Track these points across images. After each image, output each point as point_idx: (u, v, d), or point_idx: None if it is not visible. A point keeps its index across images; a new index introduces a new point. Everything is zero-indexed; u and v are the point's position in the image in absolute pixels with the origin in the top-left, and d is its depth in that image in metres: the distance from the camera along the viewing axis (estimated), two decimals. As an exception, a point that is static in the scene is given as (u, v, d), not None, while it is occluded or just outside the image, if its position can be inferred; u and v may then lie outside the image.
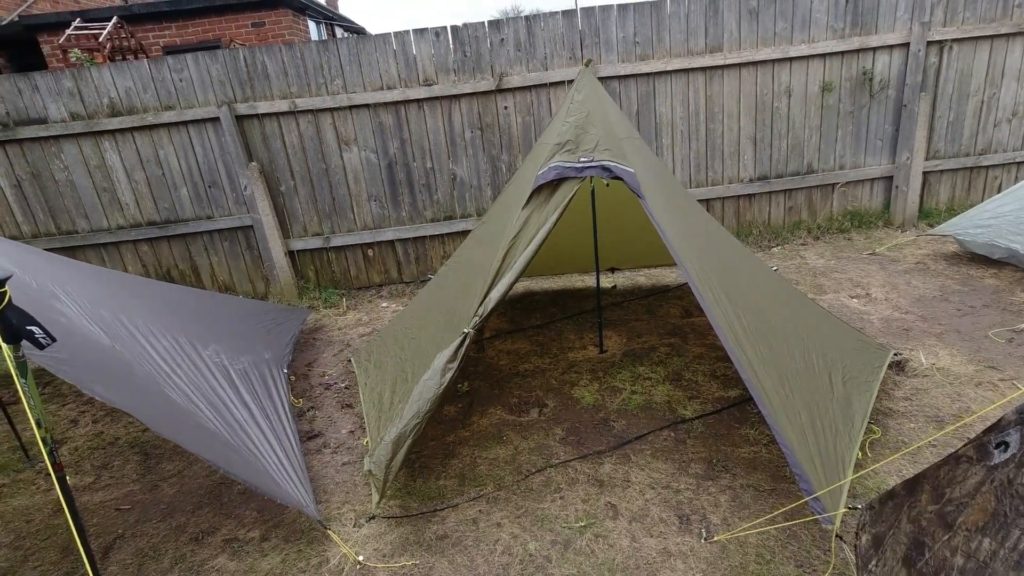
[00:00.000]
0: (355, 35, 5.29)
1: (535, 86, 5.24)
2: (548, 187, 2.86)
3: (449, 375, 2.60)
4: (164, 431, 2.23)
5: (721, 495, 2.60)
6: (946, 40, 5.35)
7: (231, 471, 2.35)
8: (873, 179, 5.76)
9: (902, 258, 5.06)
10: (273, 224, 5.37)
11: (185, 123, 5.14)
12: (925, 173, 5.69)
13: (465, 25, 5.08)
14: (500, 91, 5.24)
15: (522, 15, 5.08)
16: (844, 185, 5.75)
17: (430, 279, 4.00)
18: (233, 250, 5.56)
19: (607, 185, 2.76)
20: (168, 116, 5.08)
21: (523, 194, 2.96)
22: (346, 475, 3.02)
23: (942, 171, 5.75)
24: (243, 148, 5.19)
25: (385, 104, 5.22)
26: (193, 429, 2.51)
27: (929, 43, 5.32)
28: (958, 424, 2.85)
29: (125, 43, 7.54)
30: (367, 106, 5.21)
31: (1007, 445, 1.34)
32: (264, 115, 5.17)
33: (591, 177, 2.89)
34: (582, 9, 5.08)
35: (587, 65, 3.12)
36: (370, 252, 5.69)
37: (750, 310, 2.83)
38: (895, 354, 3.39)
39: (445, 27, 5.06)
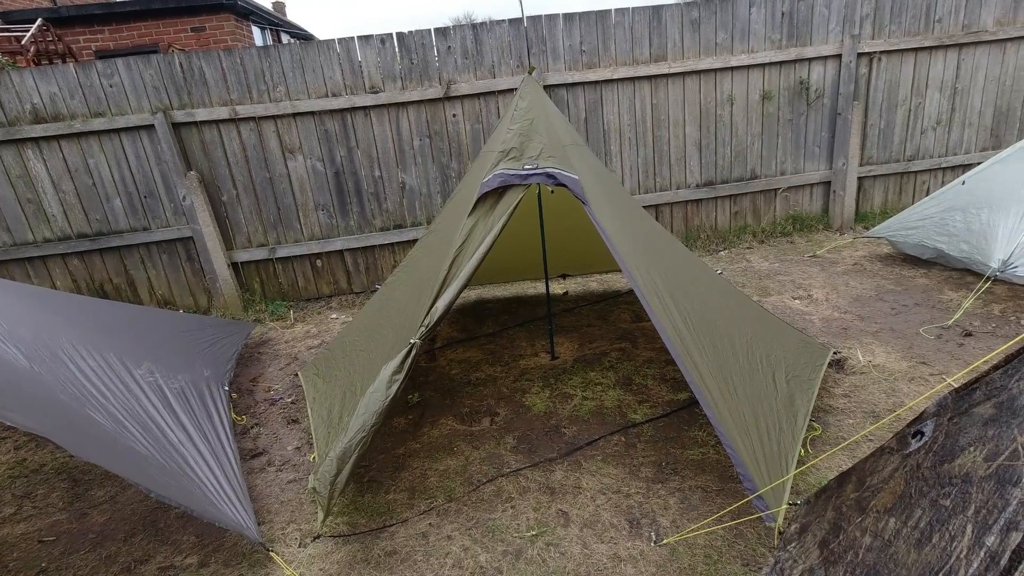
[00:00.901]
0: (299, 41, 5.16)
1: (483, 94, 5.23)
2: (493, 195, 2.84)
3: (396, 387, 2.54)
4: (89, 455, 2.09)
5: (670, 497, 2.62)
6: (875, 52, 5.62)
7: (164, 495, 2.22)
8: (812, 184, 5.99)
9: (841, 260, 5.26)
10: (215, 235, 5.17)
11: (117, 131, 4.91)
12: (860, 178, 5.95)
13: (411, 32, 5.03)
14: (448, 99, 5.21)
15: (469, 23, 5.07)
16: (786, 190, 5.95)
17: (378, 288, 3.92)
18: (172, 263, 5.33)
19: (551, 192, 2.77)
20: (98, 123, 4.84)
21: (469, 202, 2.93)
22: (291, 493, 2.91)
23: (875, 176, 6.03)
24: (181, 157, 4.99)
25: (331, 111, 5.11)
26: (122, 452, 2.36)
27: (860, 55, 5.58)
28: (890, 417, 2.96)
29: (52, 47, 7.17)
30: (312, 113, 5.10)
31: (922, 434, 1.38)
32: (203, 123, 4.99)
33: (537, 184, 2.88)
34: (529, 17, 5.12)
35: (531, 73, 3.13)
36: (318, 262, 5.55)
37: (695, 313, 2.88)
38: (835, 352, 3.51)
39: (391, 34, 5.01)
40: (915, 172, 6.11)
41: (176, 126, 4.94)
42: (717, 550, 2.29)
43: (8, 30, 7.28)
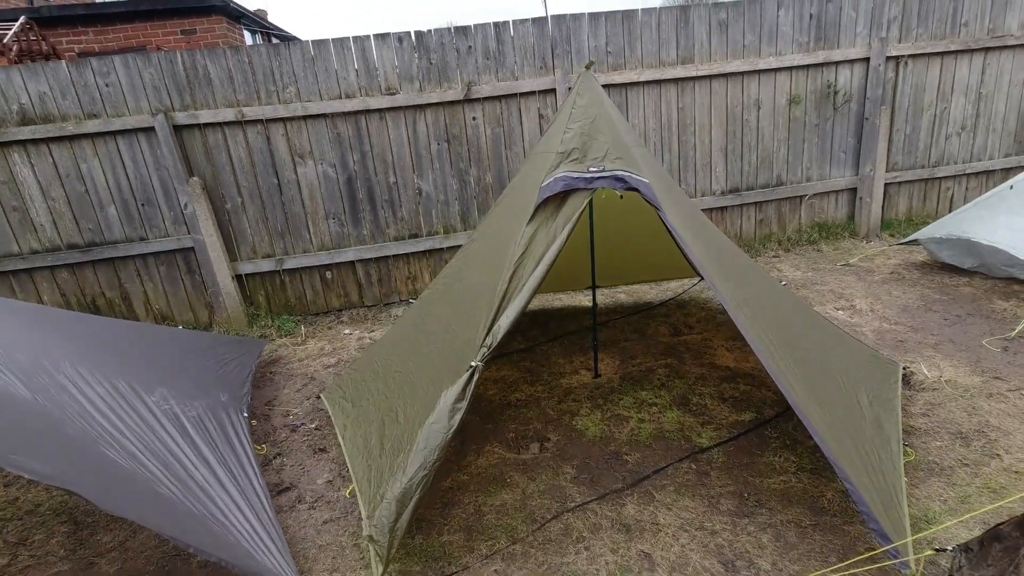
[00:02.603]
0: (309, 40, 4.86)
1: (505, 96, 4.98)
2: (555, 200, 2.57)
3: (458, 416, 2.24)
4: (120, 509, 1.76)
5: (762, 534, 2.35)
6: (902, 56, 5.49)
7: (202, 548, 1.89)
8: (838, 191, 5.83)
9: (876, 268, 5.09)
10: (218, 245, 4.82)
11: (113, 133, 4.55)
12: (886, 185, 5.81)
13: (430, 31, 4.77)
14: (468, 101, 4.94)
15: (491, 22, 4.82)
16: (812, 197, 5.78)
17: (412, 304, 3.61)
18: (171, 275, 4.96)
19: (620, 197, 2.52)
20: (92, 125, 4.48)
21: (524, 208, 2.66)
22: (329, 536, 2.58)
23: (900, 183, 5.89)
24: (182, 161, 4.64)
25: (344, 114, 4.81)
26: (149, 499, 2.03)
27: (888, 58, 5.44)
28: (983, 441, 2.74)
29: (35, 47, 6.75)
30: (324, 116, 4.79)
31: None
32: (207, 125, 4.65)
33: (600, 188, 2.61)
34: (553, 17, 4.88)
35: (588, 68, 2.87)
36: (328, 274, 5.22)
37: (775, 326, 2.64)
38: (903, 367, 3.30)
39: (409, 32, 4.74)
40: (940, 178, 5.99)
41: (178, 128, 4.60)
42: (833, 598, 2.03)
43: (-12, 29, 6.85)
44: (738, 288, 2.61)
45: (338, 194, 5.01)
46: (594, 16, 4.92)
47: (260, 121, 4.71)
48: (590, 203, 3.18)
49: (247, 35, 11.04)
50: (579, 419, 3.26)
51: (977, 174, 6.05)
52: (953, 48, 5.55)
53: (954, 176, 6.00)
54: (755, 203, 5.70)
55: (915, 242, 4.91)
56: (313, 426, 3.46)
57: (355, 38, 4.67)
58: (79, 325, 3.14)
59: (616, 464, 2.86)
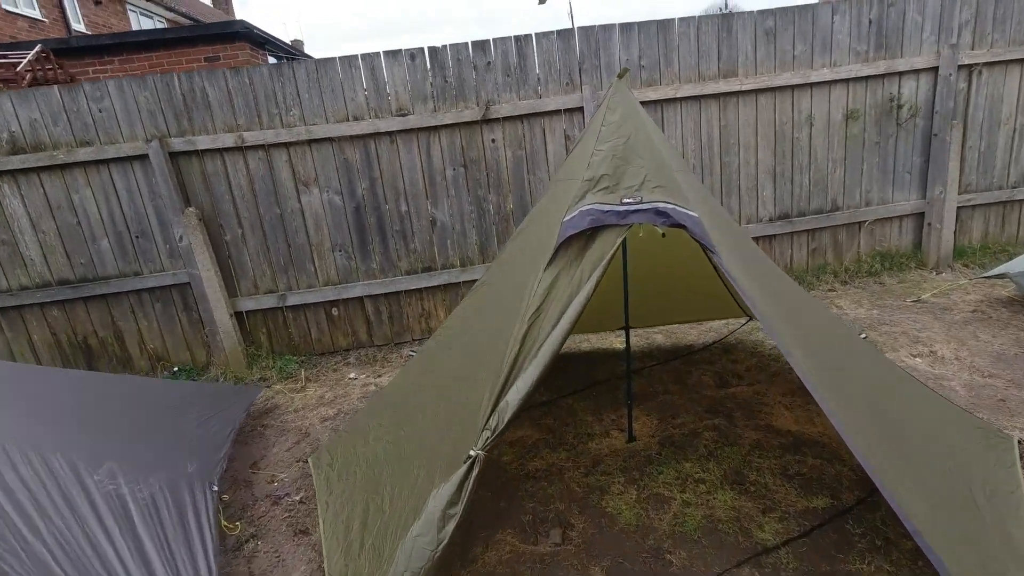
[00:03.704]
0: (313, 58, 4.51)
1: (527, 115, 4.53)
2: (579, 239, 2.07)
3: (451, 525, 1.73)
4: None
5: None
6: (976, 64, 4.86)
7: None
8: (902, 216, 5.18)
9: (953, 305, 4.41)
10: (216, 280, 4.44)
11: (106, 161, 4.24)
12: (958, 208, 5.13)
13: (445, 46, 4.36)
14: (486, 122, 4.50)
15: (511, 35, 4.40)
16: (872, 223, 5.14)
17: (413, 356, 3.13)
18: (167, 312, 4.60)
19: (663, 235, 2.02)
20: (84, 153, 4.18)
21: (542, 248, 2.16)
22: (297, 658, 2.08)
23: (975, 206, 5.21)
24: (178, 191, 4.30)
25: (351, 137, 4.42)
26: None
27: (959, 67, 4.82)
28: None
29: (51, 75, 6.63)
30: (330, 140, 4.40)
31: None
32: (205, 151, 4.31)
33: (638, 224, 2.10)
34: (580, 28, 4.43)
35: (621, 77, 2.38)
36: (335, 311, 4.79)
37: (862, 397, 2.07)
38: (1019, 442, 2.65)
39: (422, 48, 4.34)
40: (1020, 201, 5.28)
41: (174, 155, 4.27)
42: None
43: (6, 56, 6.78)
44: (811, 345, 2.05)
45: (345, 224, 4.60)
46: (626, 27, 4.46)
47: (262, 146, 4.36)
48: (623, 243, 2.66)
49: (271, 62, 10.94)
50: (610, 498, 2.70)
51: (1064, 196, 5.32)
52: (1035, 55, 4.90)
53: (1037, 199, 5.29)
54: (807, 231, 5.08)
55: (1002, 276, 4.23)
56: (298, 498, 2.98)
57: (363, 55, 4.30)
58: (33, 382, 2.75)
59: (658, 565, 2.29)
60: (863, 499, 2.51)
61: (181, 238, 4.36)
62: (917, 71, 4.84)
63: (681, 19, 4.50)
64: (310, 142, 4.39)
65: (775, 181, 4.94)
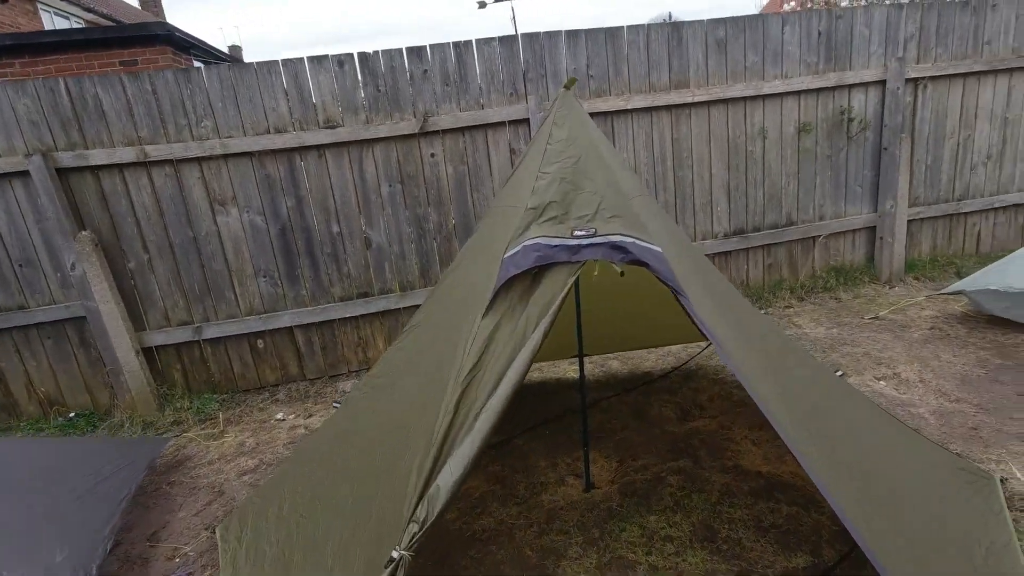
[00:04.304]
0: (226, 64, 4.05)
1: (469, 128, 4.19)
2: (524, 279, 1.74)
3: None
4: None
5: None
6: (921, 78, 4.83)
7: None
8: (855, 230, 5.10)
9: (911, 322, 4.32)
10: (117, 313, 3.90)
11: (-20, 180, 3.65)
12: (908, 222, 5.09)
13: (377, 52, 3.98)
14: (425, 134, 4.14)
15: (449, 42, 4.06)
16: (826, 238, 5.04)
17: (337, 408, 2.73)
18: (60, 350, 4.01)
19: (621, 274, 1.71)
20: (-48, 171, 3.58)
21: (479, 290, 1.82)
22: None
23: (923, 219, 5.19)
24: (69, 212, 3.75)
25: (273, 152, 3.97)
26: None
27: (907, 80, 4.77)
28: None
29: (-68, 79, 5.86)
30: (249, 154, 3.95)
31: None
32: (101, 167, 3.78)
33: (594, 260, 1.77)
34: (524, 35, 4.14)
35: (568, 87, 2.07)
36: (260, 343, 4.30)
37: (838, 444, 1.81)
38: (1001, 479, 2.47)
39: (351, 54, 3.95)
40: (965, 214, 5.30)
41: (62, 172, 3.72)
42: None
43: None
44: (789, 394, 1.78)
45: (269, 247, 4.14)
46: (572, 34, 4.19)
47: (169, 161, 3.85)
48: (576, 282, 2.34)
49: (200, 67, 10.23)
50: (567, 564, 2.36)
51: (1005, 208, 5.37)
52: (976, 69, 4.91)
53: (981, 211, 5.32)
54: (763, 246, 4.93)
55: (960, 292, 4.16)
56: (202, 580, 2.52)
57: (284, 61, 3.87)
58: None
59: (623, 654, 1.97)
60: (846, 554, 2.26)
61: (74, 266, 3.80)
62: (866, 84, 4.77)
63: (630, 27, 4.27)
64: (226, 157, 3.91)
65: (730, 196, 4.77)
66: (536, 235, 1.74)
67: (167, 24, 8.40)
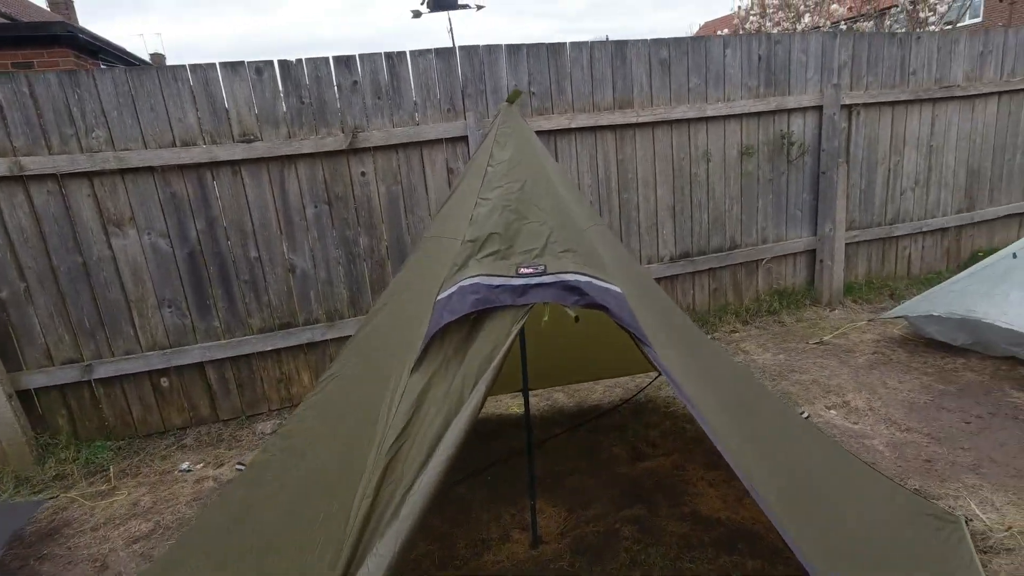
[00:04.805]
0: (130, 66, 3.59)
1: (403, 145, 3.89)
2: (461, 327, 1.45)
3: None
4: None
5: None
6: (855, 104, 4.92)
7: None
8: (796, 253, 5.11)
9: (854, 346, 4.30)
10: (-14, 353, 3.32)
11: None
12: (845, 245, 5.14)
13: (301, 61, 3.63)
14: (355, 151, 3.81)
15: (381, 52, 3.76)
16: (769, 261, 5.02)
17: (241, 470, 2.33)
18: (-87, 398, 3.38)
19: (576, 320, 1.46)
20: None
21: (408, 339, 1.51)
22: None
23: (859, 242, 5.26)
24: (-76, 235, 3.18)
25: (180, 167, 3.53)
26: None
27: (842, 106, 4.84)
28: None
29: None
30: (151, 169, 3.49)
31: None
32: (-34, 182, 3.23)
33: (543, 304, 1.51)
34: (463, 48, 3.89)
35: (512, 102, 1.82)
36: (164, 382, 3.79)
37: (814, 496, 1.61)
38: (968, 521, 2.35)
39: (271, 61, 3.58)
40: (897, 237, 5.43)
41: (-85, 188, 3.15)
42: None
43: None
44: (757, 447, 1.57)
45: (175, 274, 3.66)
46: (513, 48, 3.98)
47: (52, 176, 3.34)
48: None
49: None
50: (515, 647, 2.05)
51: (932, 232, 5.55)
52: (904, 98, 5.06)
53: (910, 234, 5.46)
54: (708, 270, 4.85)
55: (901, 317, 4.17)
56: None
57: (193, 67, 3.46)
58: None
59: None
60: (817, 617, 2.06)
61: (-71, 299, 3.22)
62: (804, 109, 4.81)
63: (573, 44, 4.11)
64: (122, 172, 3.44)
65: (675, 219, 4.66)
66: (475, 273, 1.46)
67: (68, 24, 7.68)
